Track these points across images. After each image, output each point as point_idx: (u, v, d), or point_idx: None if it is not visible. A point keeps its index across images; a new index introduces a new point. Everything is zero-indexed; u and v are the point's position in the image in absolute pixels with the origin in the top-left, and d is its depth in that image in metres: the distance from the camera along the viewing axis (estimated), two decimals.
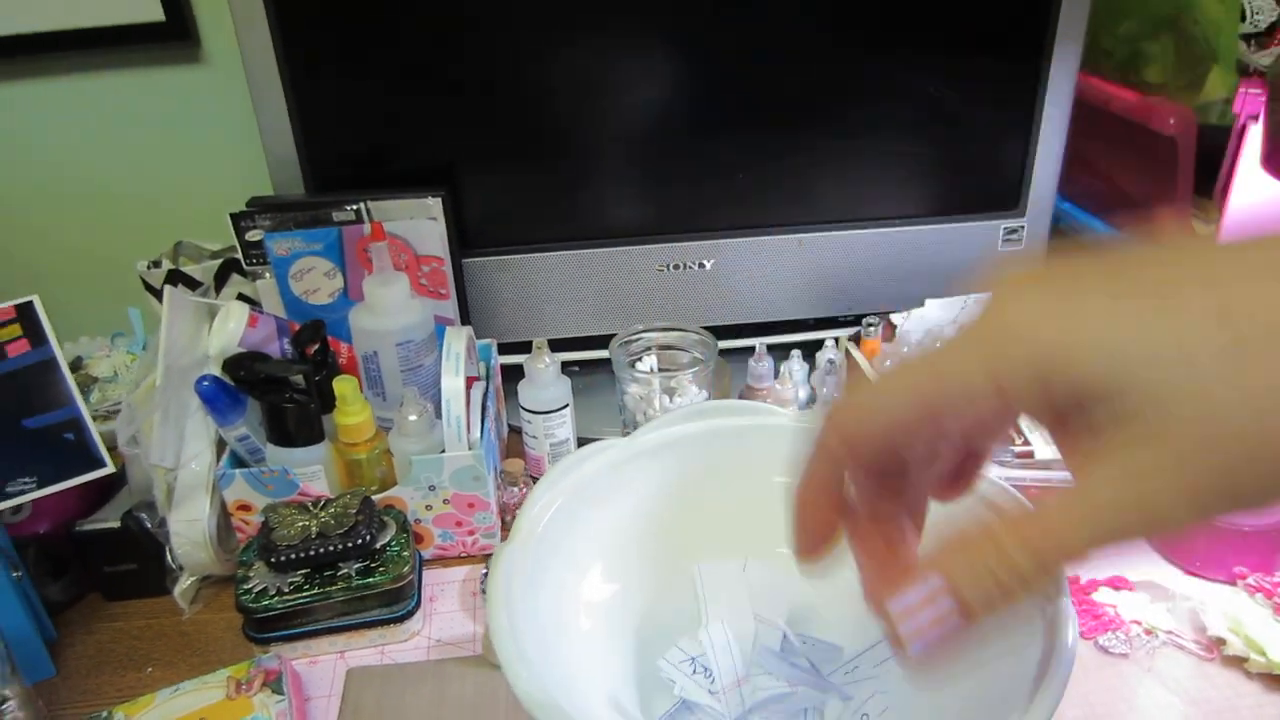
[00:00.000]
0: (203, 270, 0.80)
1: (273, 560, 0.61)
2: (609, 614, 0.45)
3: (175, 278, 0.77)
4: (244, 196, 0.78)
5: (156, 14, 0.93)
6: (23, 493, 0.58)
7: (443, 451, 0.68)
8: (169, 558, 0.68)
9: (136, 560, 0.67)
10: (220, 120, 0.99)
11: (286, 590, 0.61)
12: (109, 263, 1.00)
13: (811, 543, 0.29)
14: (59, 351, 0.61)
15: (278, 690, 0.56)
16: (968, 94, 0.81)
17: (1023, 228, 0.86)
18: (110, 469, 0.61)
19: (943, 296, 0.81)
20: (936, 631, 0.24)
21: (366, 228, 0.75)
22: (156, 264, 0.80)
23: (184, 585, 0.67)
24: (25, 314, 0.61)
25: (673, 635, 0.45)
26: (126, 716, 0.54)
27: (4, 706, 0.54)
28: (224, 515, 0.69)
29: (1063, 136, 0.82)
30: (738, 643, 0.43)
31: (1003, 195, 0.85)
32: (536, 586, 0.40)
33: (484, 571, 0.68)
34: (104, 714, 0.54)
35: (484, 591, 0.67)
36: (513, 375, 0.79)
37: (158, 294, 0.77)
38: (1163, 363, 0.21)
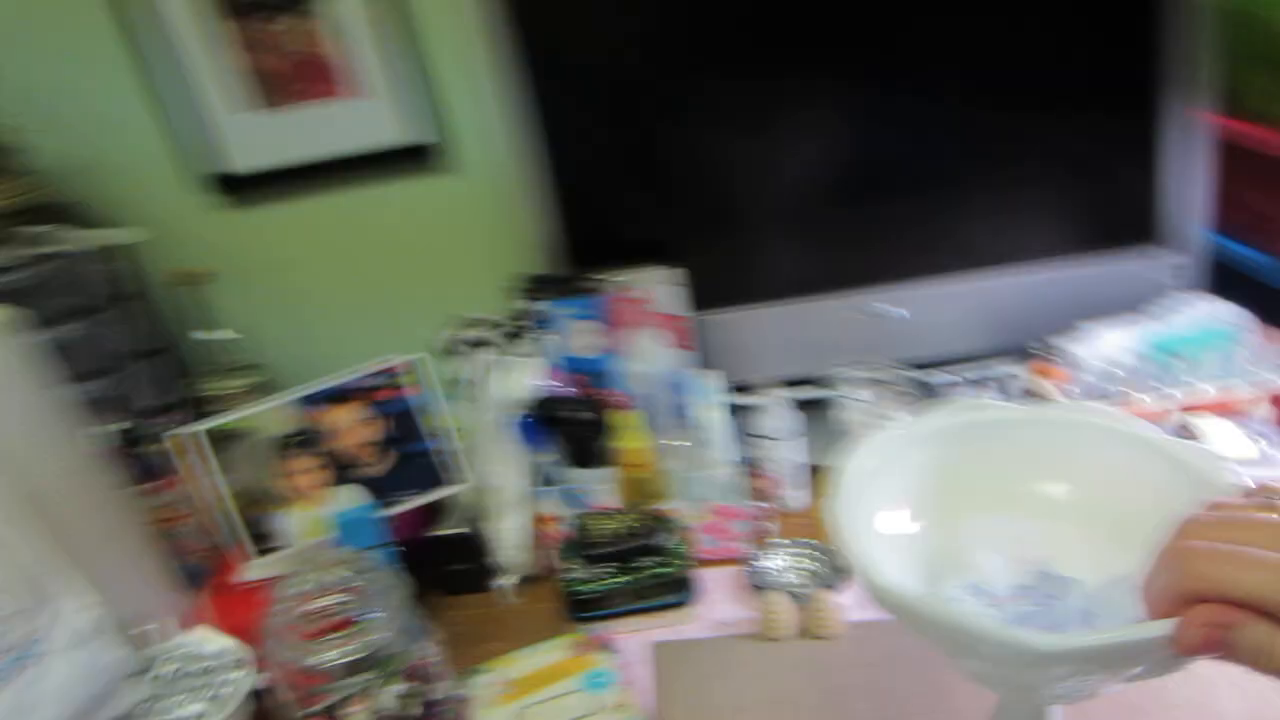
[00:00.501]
0: (491, 334, 0.99)
1: (590, 555, 0.78)
2: (910, 546, 0.58)
3: (479, 343, 0.97)
4: (491, 278, 0.97)
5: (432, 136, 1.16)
6: (406, 501, 0.77)
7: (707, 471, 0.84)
8: (496, 559, 0.85)
9: (473, 561, 0.84)
10: (470, 215, 1.19)
11: (599, 579, 0.77)
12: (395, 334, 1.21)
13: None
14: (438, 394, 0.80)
15: (609, 650, 0.72)
16: (1094, 142, 0.94)
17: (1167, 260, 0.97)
18: (469, 485, 0.79)
19: (1109, 325, 0.92)
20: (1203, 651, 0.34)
21: (626, 295, 0.93)
22: (455, 332, 1.00)
23: (509, 581, 0.85)
24: (415, 368, 0.81)
25: (956, 568, 0.58)
26: (501, 669, 0.71)
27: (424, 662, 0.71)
28: (529, 526, 0.86)
29: (1202, 176, 0.93)
30: (1005, 573, 0.56)
31: (1143, 229, 0.97)
32: (861, 517, 0.54)
33: (749, 568, 0.83)
34: (481, 667, 0.71)
35: (753, 584, 0.81)
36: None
37: (456, 354, 0.96)
38: None
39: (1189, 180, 0.94)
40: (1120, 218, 0.98)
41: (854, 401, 0.90)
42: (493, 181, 1.08)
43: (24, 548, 0.63)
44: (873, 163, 0.95)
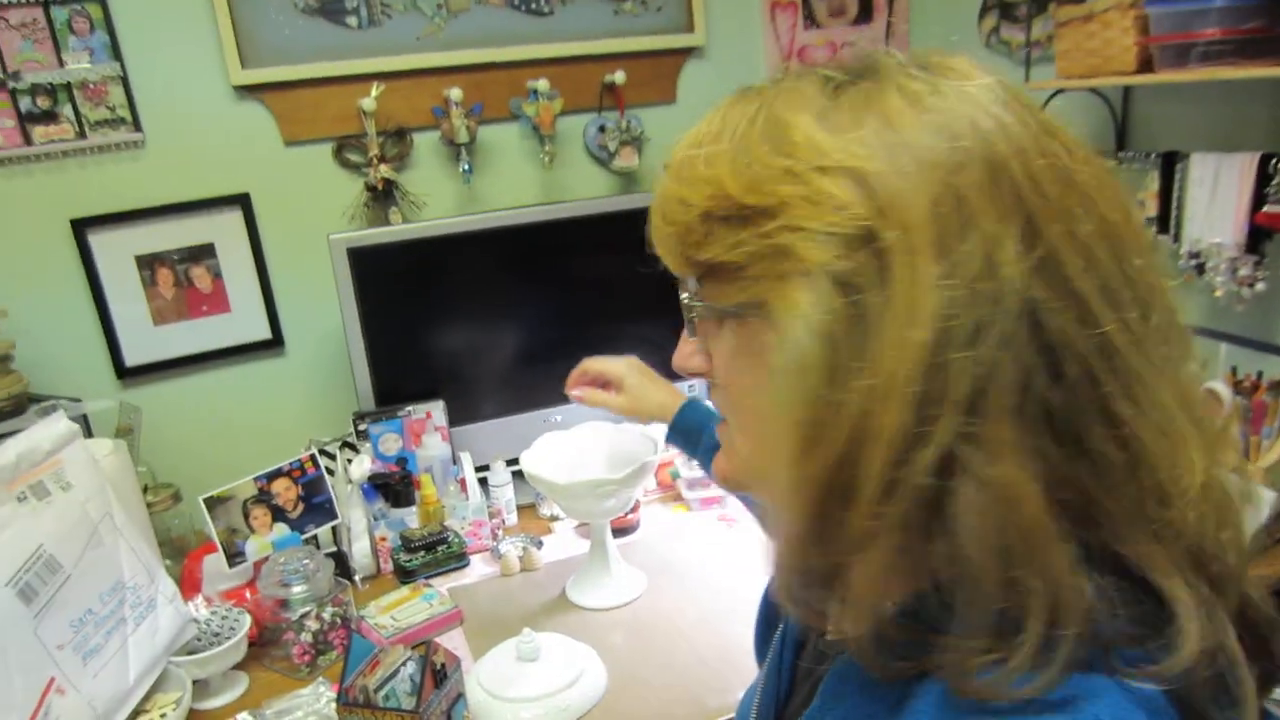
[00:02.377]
0: (339, 444, 1.72)
1: (409, 547, 1.53)
2: (546, 471, 1.42)
3: (336, 450, 1.69)
4: (322, 420, 1.72)
5: (265, 334, 1.87)
6: (313, 530, 1.48)
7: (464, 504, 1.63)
8: (352, 565, 1.56)
9: (342, 563, 1.55)
10: (298, 385, 1.91)
11: (415, 559, 1.53)
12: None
13: None
14: (323, 473, 1.52)
15: (429, 587, 1.47)
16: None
17: None
18: (342, 521, 1.51)
19: None
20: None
21: (413, 417, 1.71)
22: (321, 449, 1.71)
23: (361, 574, 1.56)
24: (312, 459, 1.52)
25: (569, 471, 1.42)
26: (375, 603, 1.44)
27: None
28: (372, 543, 1.59)
29: None
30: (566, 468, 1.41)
31: None
32: (535, 467, 1.37)
33: (493, 547, 1.62)
34: (366, 604, 1.43)
35: (494, 554, 1.60)
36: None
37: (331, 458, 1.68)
38: None
39: None
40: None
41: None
42: (317, 360, 1.83)
43: (145, 547, 1.28)
44: (536, 338, 1.83)
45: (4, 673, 1.02)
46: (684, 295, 0.58)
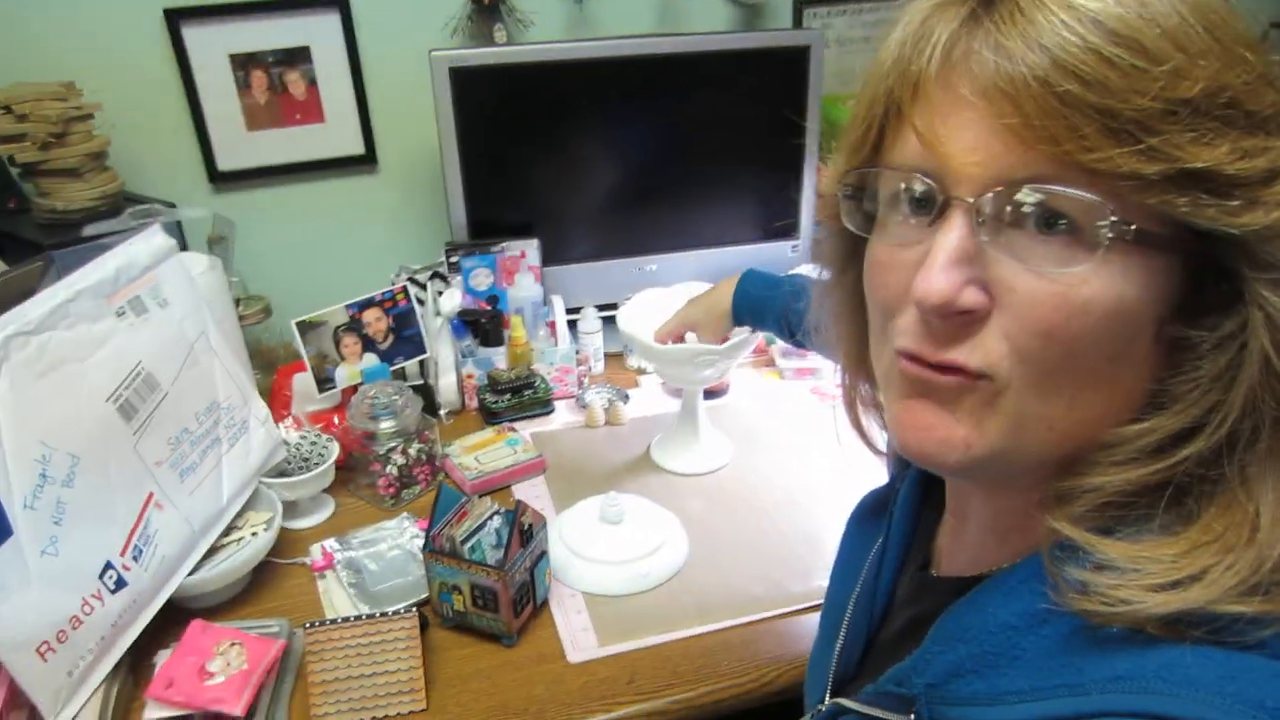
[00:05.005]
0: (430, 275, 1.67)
1: (495, 389, 1.51)
2: (644, 334, 1.38)
3: (426, 280, 1.65)
4: (413, 246, 1.67)
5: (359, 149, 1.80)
6: (401, 363, 1.46)
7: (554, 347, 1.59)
8: (438, 400, 1.55)
9: (429, 398, 1.54)
10: (390, 206, 1.85)
11: (502, 401, 1.51)
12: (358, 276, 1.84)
13: None
14: (414, 305, 1.49)
15: (514, 432, 1.46)
16: (764, 179, 1.77)
17: (798, 246, 1.83)
18: (429, 355, 1.49)
19: None
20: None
21: (507, 254, 1.65)
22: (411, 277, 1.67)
23: (446, 411, 1.55)
24: (404, 290, 1.49)
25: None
26: (460, 442, 1.43)
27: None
28: (459, 380, 1.57)
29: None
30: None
31: (791, 228, 1.82)
32: (631, 325, 1.33)
33: (578, 395, 1.59)
34: (451, 442, 1.43)
35: (580, 404, 1.57)
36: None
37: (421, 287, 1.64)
38: None
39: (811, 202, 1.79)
40: (778, 220, 1.81)
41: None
42: (410, 182, 1.77)
43: (239, 369, 1.28)
44: (639, 182, 1.73)
45: (106, 487, 1.03)
46: (1033, 197, 0.44)
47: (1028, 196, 0.44)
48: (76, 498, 0.99)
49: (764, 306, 1.19)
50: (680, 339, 1.30)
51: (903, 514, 0.72)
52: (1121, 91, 0.41)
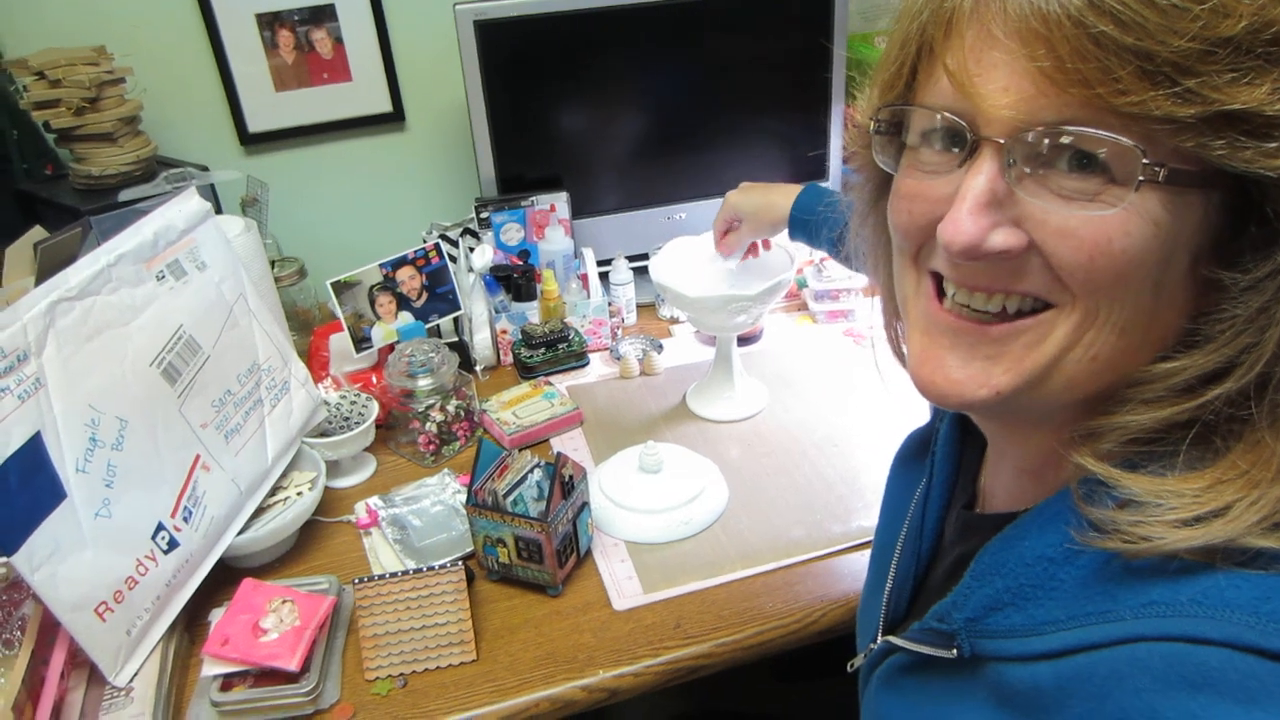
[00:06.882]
0: (461, 232, 1.67)
1: (529, 344, 1.51)
2: (676, 283, 1.37)
3: (458, 237, 1.65)
4: (443, 203, 1.66)
5: (386, 106, 1.79)
6: (435, 320, 1.47)
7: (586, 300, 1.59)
8: (473, 356, 1.56)
9: (465, 354, 1.55)
10: (419, 164, 1.85)
11: (536, 356, 1.51)
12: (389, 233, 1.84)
13: None
14: (446, 262, 1.49)
15: (550, 385, 1.46)
16: (792, 125, 1.74)
17: None
18: (464, 312, 1.50)
19: None
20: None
21: (536, 208, 1.64)
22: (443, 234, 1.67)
23: (481, 366, 1.56)
24: (436, 248, 1.49)
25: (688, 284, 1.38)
26: (497, 398, 1.44)
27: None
28: (493, 335, 1.58)
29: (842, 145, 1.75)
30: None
31: (820, 174, 1.79)
32: (662, 274, 1.32)
33: (612, 347, 1.59)
34: (489, 398, 1.44)
35: (614, 356, 1.57)
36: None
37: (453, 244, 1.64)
38: None
39: (838, 147, 1.76)
40: (805, 166, 1.79)
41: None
42: (438, 138, 1.76)
43: (278, 331, 1.29)
44: (665, 130, 1.70)
45: (154, 449, 1.05)
46: (1065, 139, 0.44)
47: (1059, 139, 0.44)
48: (126, 460, 1.01)
49: (821, 223, 1.18)
50: (728, 232, 1.33)
51: (943, 454, 0.72)
52: (1160, 32, 0.40)
